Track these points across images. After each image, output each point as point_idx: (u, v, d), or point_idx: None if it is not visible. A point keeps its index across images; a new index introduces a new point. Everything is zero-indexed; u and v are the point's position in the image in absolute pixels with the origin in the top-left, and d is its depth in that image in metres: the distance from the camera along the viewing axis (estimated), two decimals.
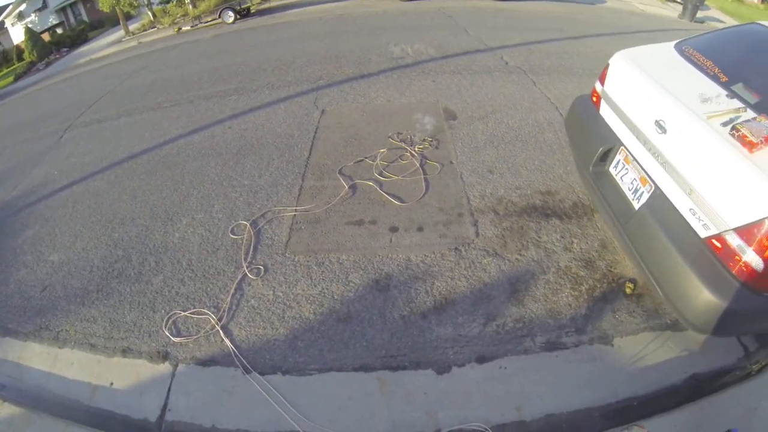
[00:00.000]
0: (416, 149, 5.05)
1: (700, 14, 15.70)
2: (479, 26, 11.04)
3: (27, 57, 27.04)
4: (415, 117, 5.87)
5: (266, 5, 19.26)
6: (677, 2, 20.94)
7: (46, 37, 30.15)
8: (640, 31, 11.36)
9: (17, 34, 34.29)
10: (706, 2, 20.23)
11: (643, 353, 2.98)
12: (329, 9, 16.05)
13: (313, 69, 8.47)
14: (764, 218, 2.20)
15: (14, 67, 28.83)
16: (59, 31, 34.03)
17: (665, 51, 3.45)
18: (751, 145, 2.35)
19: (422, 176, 4.61)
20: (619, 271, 3.50)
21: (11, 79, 23.26)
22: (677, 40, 3.53)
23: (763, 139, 2.34)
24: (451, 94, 6.62)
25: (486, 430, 2.55)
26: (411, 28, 11.20)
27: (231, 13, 17.11)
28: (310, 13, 15.58)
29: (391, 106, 6.39)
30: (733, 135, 2.43)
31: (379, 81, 7.48)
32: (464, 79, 7.21)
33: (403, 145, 5.19)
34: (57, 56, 24.85)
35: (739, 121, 2.50)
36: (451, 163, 4.84)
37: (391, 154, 5.06)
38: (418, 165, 4.77)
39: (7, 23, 36.18)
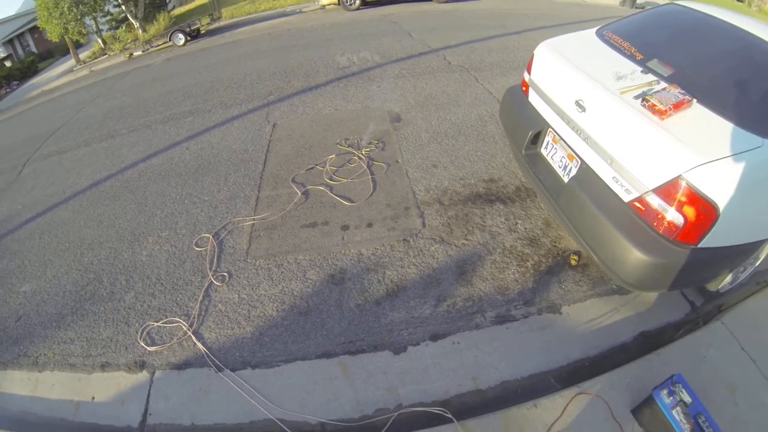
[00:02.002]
0: (363, 152, 5.35)
1: (640, 1, 16.24)
2: (423, 30, 11.38)
3: None
4: (362, 122, 6.17)
5: (215, 25, 19.28)
6: None
7: None
8: (581, 21, 11.76)
9: None
10: None
11: (592, 318, 3.23)
12: (277, 24, 16.22)
13: (263, 85, 8.70)
14: (678, 176, 2.39)
15: None
16: (8, 64, 33.28)
17: (586, 37, 3.70)
18: (660, 113, 2.57)
19: (370, 177, 4.91)
20: (563, 245, 3.79)
21: None
22: (598, 26, 3.80)
23: (671, 107, 2.55)
24: (396, 98, 6.94)
25: (445, 412, 2.70)
26: (357, 37, 11.47)
27: (181, 36, 17.12)
28: (260, 30, 15.70)
29: (338, 115, 6.67)
30: (644, 105, 2.66)
31: (327, 91, 7.75)
32: (408, 82, 7.54)
33: (351, 149, 5.48)
34: (7, 90, 24.22)
35: (649, 92, 2.73)
36: (397, 162, 5.14)
37: (339, 159, 5.34)
38: (365, 167, 5.07)
39: None
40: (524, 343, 3.11)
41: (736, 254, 2.67)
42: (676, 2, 3.71)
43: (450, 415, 2.65)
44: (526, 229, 4.00)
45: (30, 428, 3.07)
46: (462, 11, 14.06)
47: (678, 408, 2.30)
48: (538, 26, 10.51)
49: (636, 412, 2.55)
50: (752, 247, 2.68)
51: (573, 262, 3.62)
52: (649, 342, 3.06)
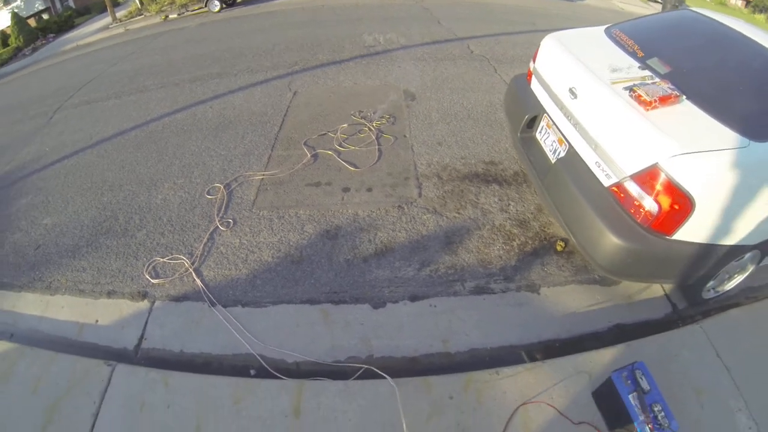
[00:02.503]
0: (374, 125, 5.57)
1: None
2: (452, 18, 11.46)
3: (12, 42, 26.71)
4: (378, 98, 6.38)
5: None
6: (657, 2, 21.45)
7: (32, 22, 29.89)
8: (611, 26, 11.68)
9: (2, 20, 34.08)
10: (686, 2, 20.72)
11: (570, 303, 3.32)
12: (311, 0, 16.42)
13: (290, 55, 8.93)
14: (655, 164, 2.46)
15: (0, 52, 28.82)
16: (45, 17, 33.75)
17: (594, 33, 3.81)
18: (646, 104, 2.65)
19: (377, 147, 5.14)
20: (551, 231, 3.93)
21: None
22: (609, 24, 3.90)
23: (657, 99, 2.64)
24: (413, 78, 7.12)
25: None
26: (387, 19, 11.60)
27: (217, 2, 17.31)
28: (294, 4, 15.80)
29: (357, 89, 6.89)
30: (631, 96, 2.75)
31: (350, 67, 7.96)
32: (428, 66, 7.71)
33: (363, 121, 5.71)
34: (43, 42, 24.62)
35: (639, 85, 2.82)
36: (405, 136, 5.36)
37: (351, 129, 5.58)
38: (374, 138, 5.30)
39: None
40: (499, 316, 3.24)
41: (714, 255, 2.70)
42: (689, 8, 3.78)
43: (382, 374, 2.78)
44: (517, 211, 4.16)
45: (36, 344, 3.28)
46: (494, 5, 14.04)
47: (635, 393, 2.33)
48: (568, 26, 10.75)
49: (595, 394, 2.60)
50: (732, 251, 2.72)
51: (559, 248, 3.73)
52: (623, 335, 3.10)
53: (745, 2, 35.67)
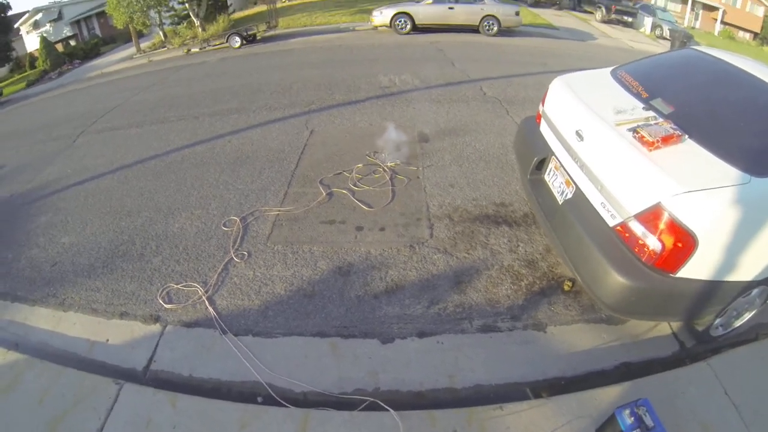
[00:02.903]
0: (388, 165, 5.71)
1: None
2: (466, 60, 11.78)
3: (40, 65, 27.53)
4: (392, 139, 6.52)
5: (271, 33, 20.01)
6: (667, 39, 21.87)
7: (60, 47, 30.83)
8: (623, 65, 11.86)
9: (31, 42, 35.12)
10: (695, 39, 21.11)
11: (576, 341, 3.33)
12: (329, 39, 16.90)
13: (307, 94, 9.19)
14: (657, 203, 2.49)
15: (27, 73, 29.47)
16: (72, 43, 34.76)
17: (600, 75, 3.91)
18: (648, 144, 2.70)
19: (390, 188, 5.26)
20: (560, 271, 3.96)
21: (24, 85, 23.82)
22: (614, 66, 4.01)
23: (659, 139, 2.69)
24: (428, 120, 7.32)
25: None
26: (402, 60, 11.94)
27: (238, 39, 17.94)
28: (312, 43, 16.32)
29: (372, 129, 7.06)
30: (635, 137, 2.80)
31: (365, 107, 8.19)
32: (442, 107, 7.92)
33: (378, 161, 5.85)
34: (69, 67, 25.34)
35: (642, 126, 2.88)
36: (418, 178, 5.48)
37: (365, 169, 5.72)
38: (388, 178, 5.43)
39: (23, 30, 37.07)
40: (505, 354, 3.24)
41: (719, 292, 2.69)
42: (696, 46, 3.92)
43: (386, 407, 2.79)
44: (526, 252, 4.22)
45: (45, 357, 3.32)
46: (507, 46, 14.43)
47: (638, 430, 2.27)
48: (579, 67, 11.05)
49: (599, 431, 2.58)
50: (737, 287, 2.72)
51: (566, 288, 3.77)
52: (629, 373, 3.08)
53: (753, 35, 36.24)
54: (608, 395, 2.81)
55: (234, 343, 3.38)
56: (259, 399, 3.00)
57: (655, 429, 2.28)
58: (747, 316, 3.26)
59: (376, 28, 17.88)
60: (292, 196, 5.24)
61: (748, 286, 2.78)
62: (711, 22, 36.34)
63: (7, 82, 28.14)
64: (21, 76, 29.94)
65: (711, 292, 2.68)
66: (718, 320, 3.11)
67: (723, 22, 36.23)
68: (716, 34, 35.05)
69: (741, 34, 36.43)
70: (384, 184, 5.35)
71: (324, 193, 5.20)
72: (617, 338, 3.37)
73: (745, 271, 2.63)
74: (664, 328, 3.47)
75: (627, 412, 2.37)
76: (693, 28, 34.13)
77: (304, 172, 5.79)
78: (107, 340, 3.53)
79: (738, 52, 3.75)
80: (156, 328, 3.59)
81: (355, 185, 5.36)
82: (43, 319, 3.79)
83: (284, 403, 2.91)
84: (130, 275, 4.18)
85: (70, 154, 7.37)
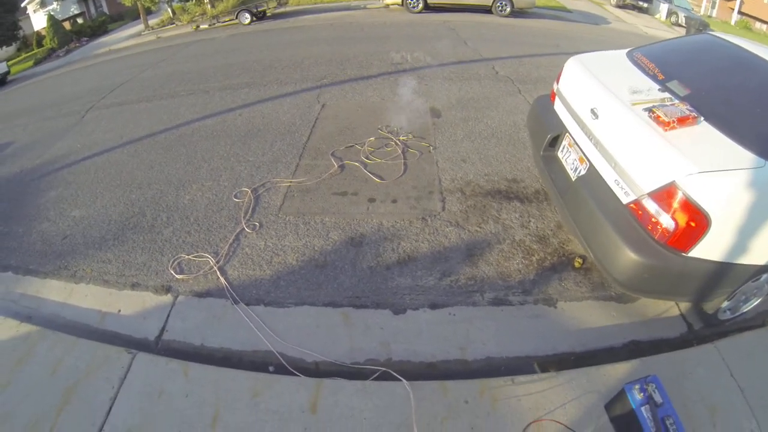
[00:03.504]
0: (400, 139, 5.67)
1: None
2: (478, 39, 11.66)
3: (47, 43, 27.59)
4: (404, 113, 6.49)
5: (281, 10, 19.85)
6: (681, 26, 21.59)
7: (67, 25, 30.83)
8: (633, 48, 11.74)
9: (38, 21, 35.08)
10: (711, 27, 20.80)
11: (586, 318, 3.32)
12: (340, 17, 16.76)
13: (319, 69, 9.13)
14: (672, 182, 2.49)
15: (34, 52, 29.46)
16: (80, 20, 34.74)
17: (616, 56, 3.87)
18: (664, 124, 2.69)
19: (402, 161, 5.22)
20: (570, 248, 3.95)
21: (31, 63, 23.98)
22: (631, 48, 3.97)
23: (675, 120, 2.68)
24: (440, 96, 7.24)
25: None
26: (414, 38, 11.82)
27: (247, 15, 17.81)
28: (323, 20, 16.19)
29: (384, 104, 7.01)
30: (650, 117, 2.80)
31: (377, 82, 8.13)
32: (454, 85, 7.84)
33: (390, 135, 5.81)
34: (77, 45, 25.39)
35: (658, 106, 2.87)
36: (430, 152, 5.44)
37: (378, 142, 5.68)
38: (400, 152, 5.39)
39: (30, 9, 36.98)
40: (516, 327, 3.25)
41: (730, 274, 2.68)
42: (712, 32, 3.86)
43: (399, 376, 2.79)
44: (537, 227, 4.19)
45: (58, 328, 3.35)
46: (520, 27, 14.26)
47: (648, 406, 2.29)
48: (592, 50, 10.92)
49: (608, 406, 2.59)
50: (747, 271, 2.70)
51: (577, 264, 3.76)
52: (638, 351, 3.10)
53: None
54: (617, 371, 2.81)
55: (245, 312, 3.38)
56: (271, 368, 3.01)
57: (663, 405, 2.31)
58: (755, 301, 3.26)
59: (387, 6, 17.70)
60: (303, 168, 5.21)
61: (758, 271, 2.77)
62: (728, 12, 35.55)
63: (14, 60, 28.16)
64: (28, 54, 29.97)
65: (722, 273, 2.68)
66: (726, 303, 3.10)
67: (740, 12, 35.48)
68: (733, 23, 34.33)
69: (758, 25, 35.71)
70: (396, 158, 5.31)
71: (336, 165, 5.17)
72: (626, 317, 3.37)
73: (756, 255, 2.62)
74: (673, 309, 3.45)
75: (636, 387, 2.39)
76: (709, 16, 33.53)
77: (316, 145, 5.75)
78: (119, 311, 3.54)
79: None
80: (167, 298, 3.60)
81: (367, 158, 5.32)
82: (55, 292, 3.80)
83: (296, 372, 2.91)
84: (141, 247, 4.18)
85: (80, 129, 7.35)
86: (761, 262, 2.67)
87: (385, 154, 5.39)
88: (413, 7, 16.55)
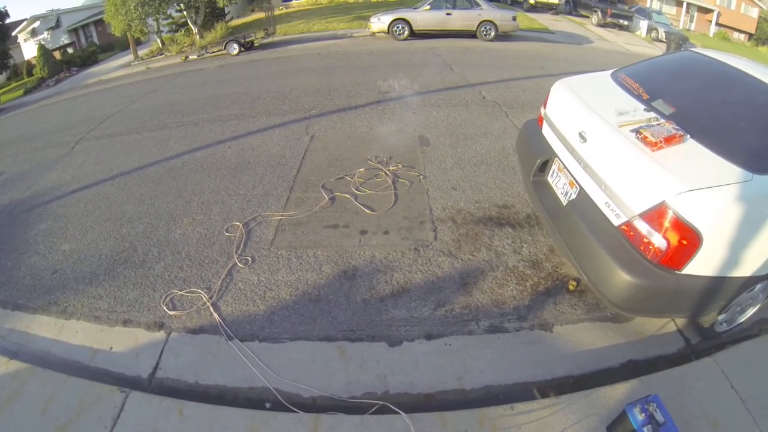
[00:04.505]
0: (390, 169, 5.70)
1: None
2: (464, 64, 11.81)
3: (37, 73, 27.60)
4: (393, 143, 6.54)
5: (269, 40, 19.98)
6: (663, 41, 22.07)
7: (57, 55, 30.91)
8: (617, 69, 11.97)
9: (29, 50, 35.25)
10: (691, 41, 21.27)
11: (582, 340, 3.34)
12: (327, 46, 16.89)
13: (307, 100, 9.20)
14: (662, 202, 2.52)
15: (24, 81, 29.52)
16: (70, 50, 34.86)
17: (601, 78, 3.96)
18: (652, 145, 2.74)
19: (393, 191, 5.24)
20: (564, 271, 3.97)
21: (21, 92, 23.98)
22: (614, 69, 4.05)
23: (662, 140, 2.73)
24: (428, 124, 7.31)
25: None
26: (400, 66, 11.94)
27: (236, 46, 17.98)
28: (310, 49, 16.31)
29: (372, 134, 7.06)
30: (638, 138, 2.84)
31: (365, 112, 8.20)
32: (442, 111, 7.92)
33: (379, 165, 5.84)
34: (67, 74, 25.38)
35: (645, 127, 2.93)
36: (420, 181, 5.47)
37: (368, 173, 5.71)
38: (390, 182, 5.42)
39: (20, 38, 37.16)
40: (512, 354, 3.25)
41: (723, 287, 2.73)
42: (692, 48, 3.96)
43: (397, 409, 2.78)
44: (530, 252, 4.22)
45: (48, 366, 3.29)
46: (505, 50, 14.48)
47: (650, 426, 2.29)
48: (577, 70, 11.17)
49: (610, 428, 2.58)
50: (741, 283, 2.75)
51: (571, 287, 3.78)
52: (636, 370, 3.11)
53: (747, 36, 36.58)
54: (617, 393, 2.82)
55: (240, 348, 3.35)
56: (267, 405, 2.98)
57: (665, 424, 2.30)
58: (750, 311, 3.31)
59: (374, 34, 17.90)
60: (294, 201, 5.22)
61: (751, 281, 2.81)
62: (706, 24, 36.65)
63: (4, 89, 28.20)
64: (18, 83, 30.02)
65: (716, 287, 2.72)
66: (722, 316, 3.14)
67: (718, 24, 36.59)
68: (711, 35, 35.36)
69: (736, 35, 36.78)
70: (386, 188, 5.34)
71: (326, 198, 5.19)
72: (623, 336, 3.39)
73: (748, 267, 2.66)
74: (669, 325, 3.48)
75: (637, 408, 2.39)
76: (688, 30, 34.40)
77: (306, 177, 5.77)
78: (111, 348, 3.50)
79: (733, 53, 3.78)
80: (160, 335, 3.56)
81: (357, 189, 5.34)
82: (45, 328, 3.75)
83: (293, 408, 2.88)
84: (132, 282, 4.15)
85: (69, 161, 7.35)
86: (753, 273, 2.72)
87: (375, 185, 5.42)
88: (399, 35, 16.77)
